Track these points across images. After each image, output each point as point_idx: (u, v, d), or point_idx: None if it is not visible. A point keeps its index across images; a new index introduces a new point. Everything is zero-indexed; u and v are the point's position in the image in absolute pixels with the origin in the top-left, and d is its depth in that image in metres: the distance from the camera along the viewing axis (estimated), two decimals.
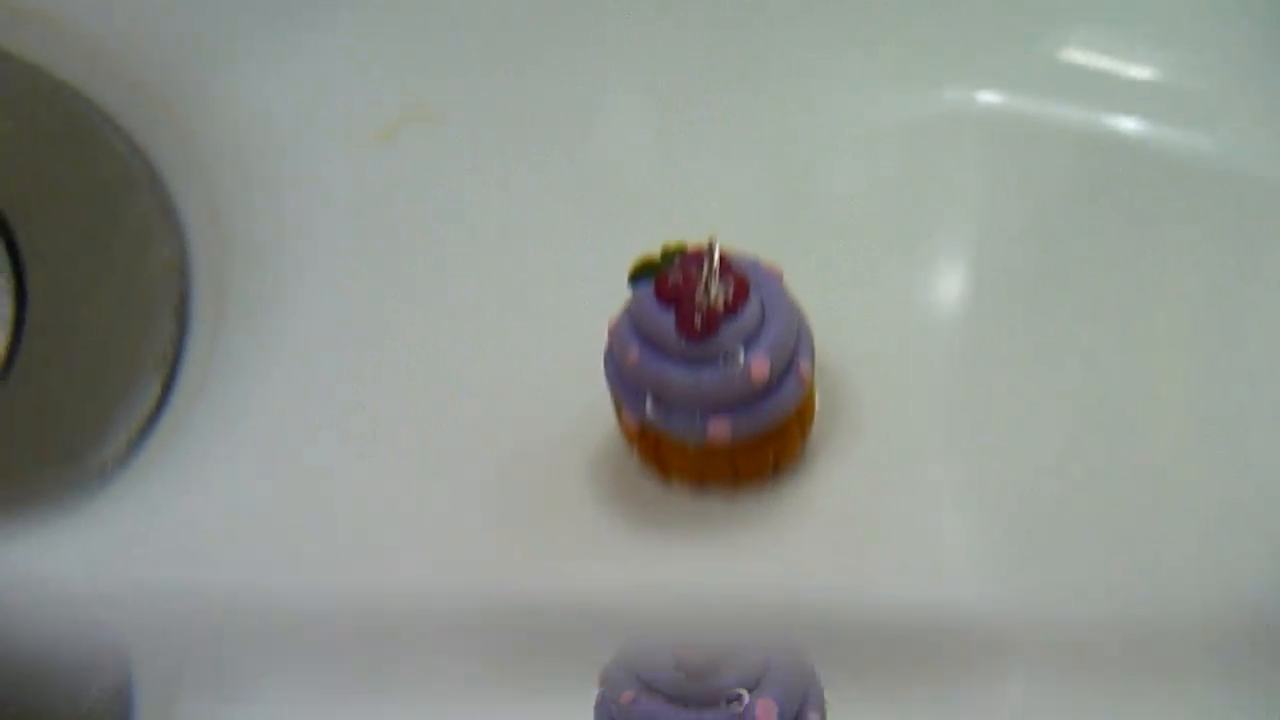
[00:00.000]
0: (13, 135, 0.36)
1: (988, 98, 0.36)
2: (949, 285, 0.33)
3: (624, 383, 0.27)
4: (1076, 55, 0.37)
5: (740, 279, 0.26)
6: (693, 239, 0.26)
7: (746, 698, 0.23)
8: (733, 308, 0.25)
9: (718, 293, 0.26)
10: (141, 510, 0.29)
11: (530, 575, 0.28)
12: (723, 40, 0.37)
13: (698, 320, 0.25)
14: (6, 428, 0.31)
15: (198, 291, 0.33)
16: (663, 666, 0.23)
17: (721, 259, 0.26)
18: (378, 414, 0.31)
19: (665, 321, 0.25)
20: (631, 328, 0.26)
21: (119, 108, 0.37)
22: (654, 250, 0.26)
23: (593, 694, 0.24)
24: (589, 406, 0.29)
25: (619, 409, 0.28)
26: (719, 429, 0.26)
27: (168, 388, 0.31)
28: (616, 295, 0.27)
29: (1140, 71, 0.36)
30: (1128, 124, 0.35)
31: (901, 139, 0.35)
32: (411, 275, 0.33)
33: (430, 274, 0.33)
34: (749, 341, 0.26)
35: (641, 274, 0.26)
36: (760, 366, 0.25)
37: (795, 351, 0.26)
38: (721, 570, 0.28)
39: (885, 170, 0.35)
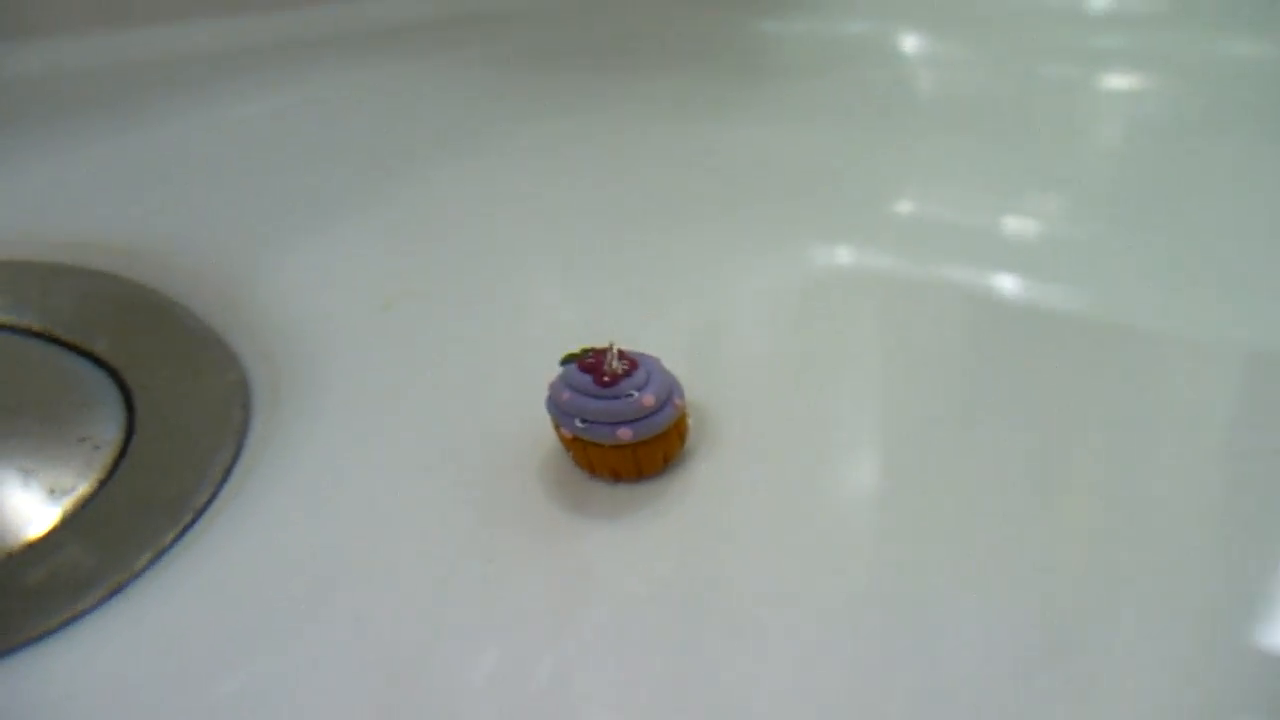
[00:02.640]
0: (119, 325, 0.49)
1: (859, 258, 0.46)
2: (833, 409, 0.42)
3: (560, 412, 0.39)
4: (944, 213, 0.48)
5: (632, 359, 0.40)
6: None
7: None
8: (628, 373, 0.39)
9: (618, 366, 0.39)
10: (228, 530, 0.39)
11: (500, 535, 0.38)
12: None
13: (607, 380, 0.39)
14: (133, 487, 0.42)
15: (258, 404, 0.45)
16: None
17: (619, 351, 0.40)
18: (391, 457, 0.41)
19: (586, 380, 0.39)
20: (563, 384, 0.39)
21: (187, 296, 0.50)
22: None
23: None
24: (538, 433, 0.41)
25: (557, 428, 0.40)
26: (624, 433, 0.38)
27: (239, 450, 0.42)
28: (550, 374, 0.40)
29: (1015, 225, 0.46)
30: (1005, 280, 0.43)
31: (793, 297, 0.45)
32: (410, 395, 0.44)
33: (422, 391, 0.45)
34: (640, 388, 0.39)
35: (569, 359, 0.40)
36: (648, 399, 0.38)
37: (671, 393, 0.40)
38: (629, 531, 0.38)
39: (781, 322, 0.45)
